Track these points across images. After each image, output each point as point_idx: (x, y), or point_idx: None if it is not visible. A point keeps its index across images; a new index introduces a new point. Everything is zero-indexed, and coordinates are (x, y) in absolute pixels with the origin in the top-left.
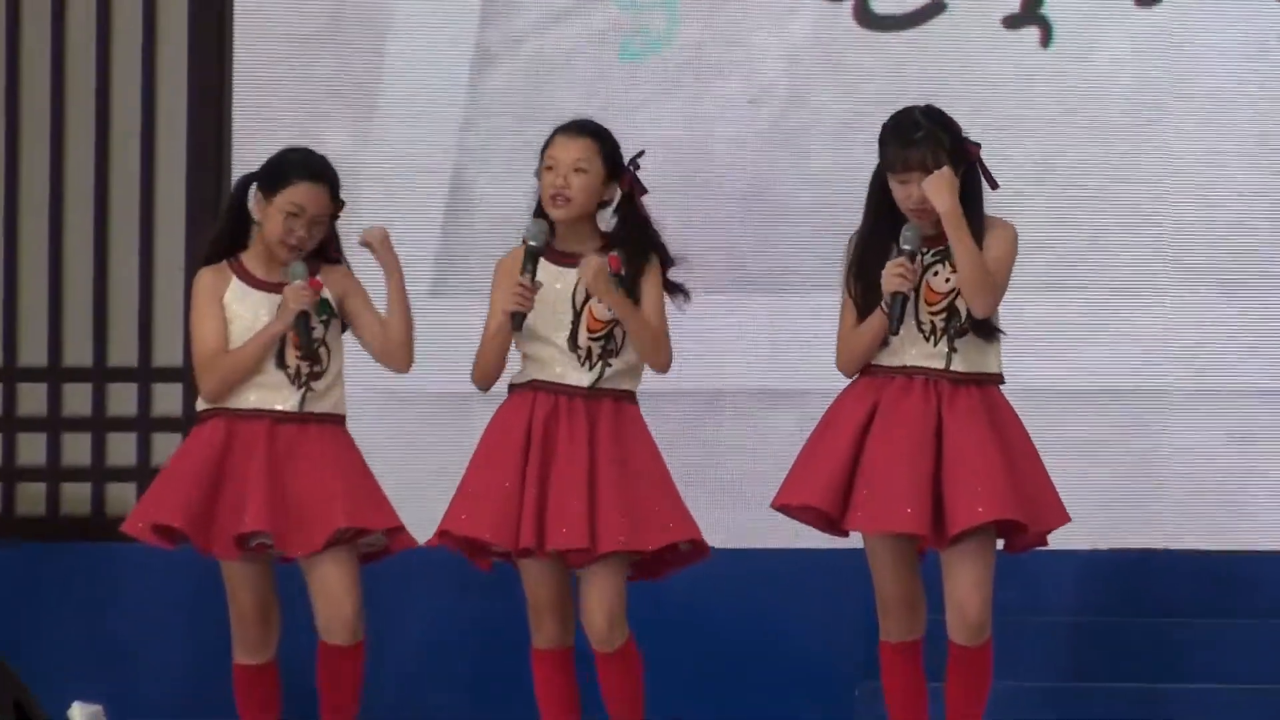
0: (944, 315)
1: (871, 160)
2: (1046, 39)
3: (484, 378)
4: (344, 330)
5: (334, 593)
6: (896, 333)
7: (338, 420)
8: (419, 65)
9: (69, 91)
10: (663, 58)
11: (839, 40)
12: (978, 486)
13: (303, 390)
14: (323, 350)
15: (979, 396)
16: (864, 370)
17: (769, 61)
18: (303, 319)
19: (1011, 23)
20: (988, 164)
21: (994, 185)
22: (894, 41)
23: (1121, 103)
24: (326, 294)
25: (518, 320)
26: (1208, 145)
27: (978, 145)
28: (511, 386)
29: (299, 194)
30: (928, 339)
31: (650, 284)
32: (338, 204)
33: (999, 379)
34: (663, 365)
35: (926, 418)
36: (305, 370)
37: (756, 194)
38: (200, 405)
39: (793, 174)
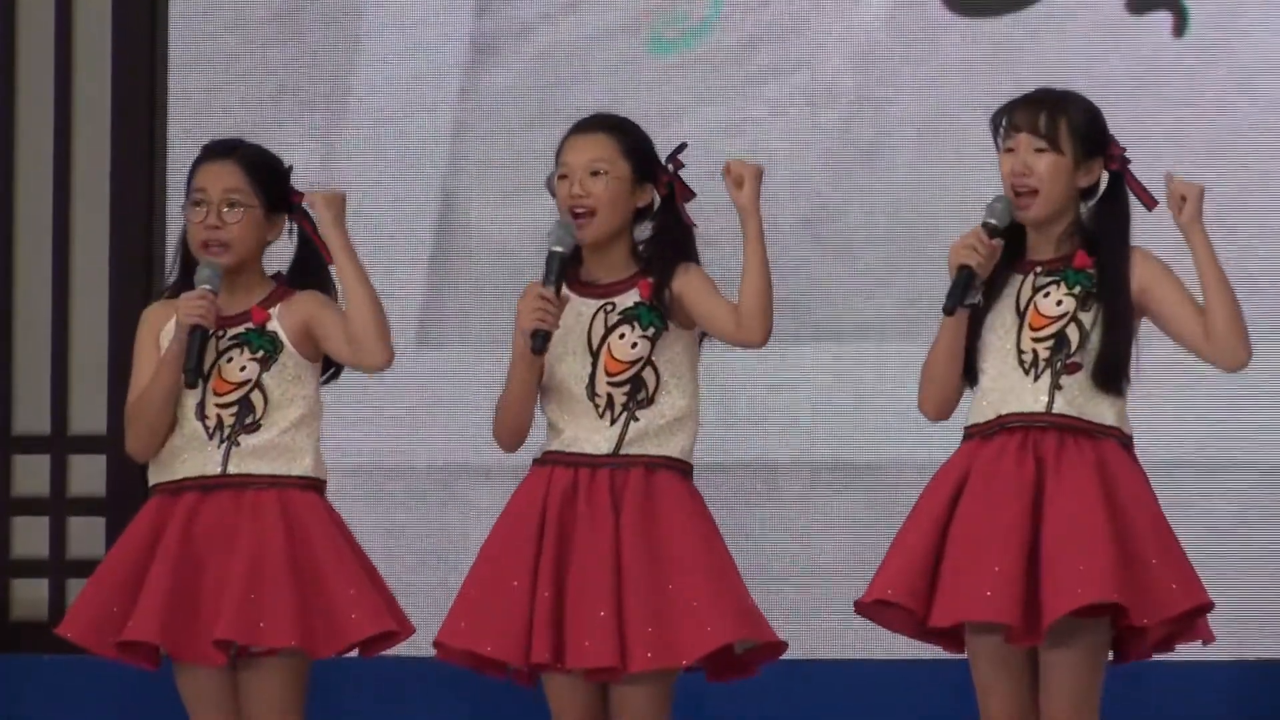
0: (1050, 344)
1: (961, 174)
2: (1180, 26)
3: (506, 431)
4: (325, 373)
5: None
6: (951, 311)
7: (298, 484)
8: (400, 61)
9: None
10: (703, 51)
11: (921, 28)
12: (1079, 564)
13: (224, 447)
14: (256, 394)
15: (1091, 453)
16: (968, 430)
17: (834, 55)
18: (196, 335)
19: (1137, 7)
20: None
21: (1150, 204)
22: (990, 30)
23: (1271, 106)
24: (274, 326)
25: (539, 341)
26: None
27: (1122, 150)
28: (533, 462)
29: (197, 178)
30: (1027, 372)
31: (697, 283)
32: (270, 187)
33: (1119, 435)
34: (761, 335)
35: (1022, 485)
36: (229, 420)
37: (819, 219)
38: (150, 475)
39: (863, 194)
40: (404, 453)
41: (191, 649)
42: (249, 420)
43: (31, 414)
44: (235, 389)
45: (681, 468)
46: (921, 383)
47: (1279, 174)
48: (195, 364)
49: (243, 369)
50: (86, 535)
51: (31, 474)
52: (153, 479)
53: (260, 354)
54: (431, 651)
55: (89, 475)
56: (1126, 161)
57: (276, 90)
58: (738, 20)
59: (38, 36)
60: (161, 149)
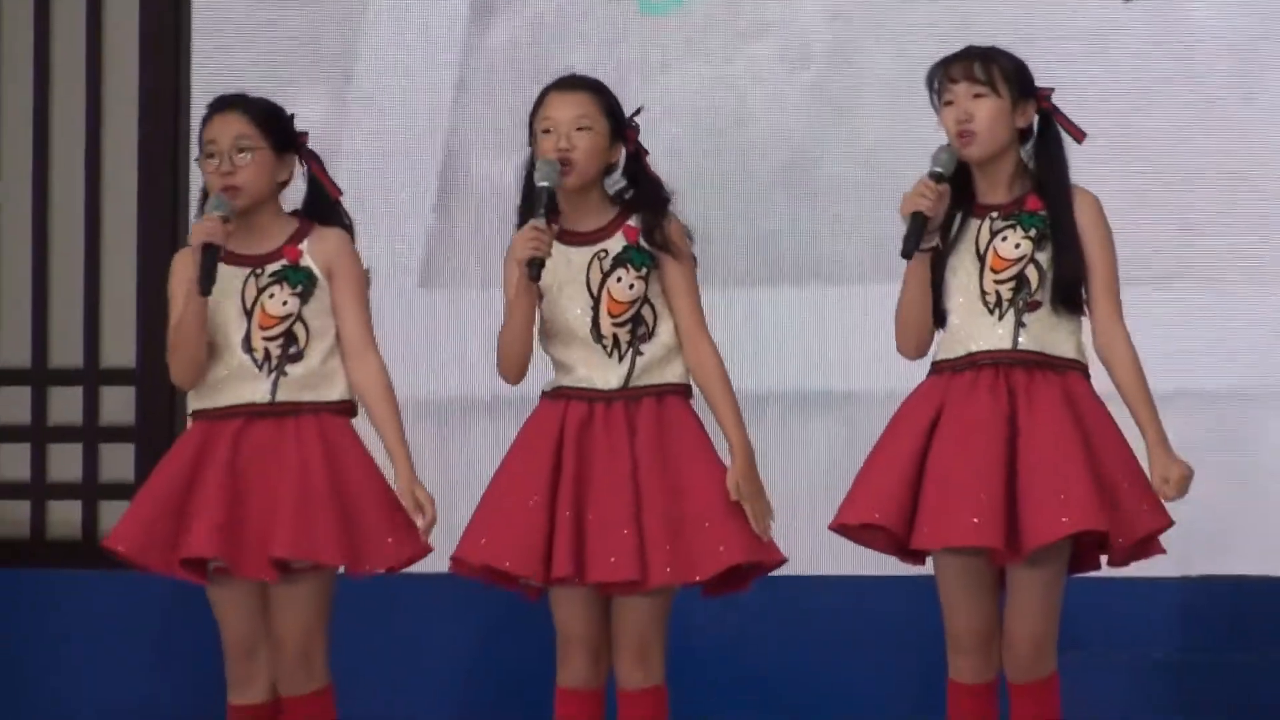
0: (1012, 285)
1: (926, 128)
2: None
3: (508, 362)
4: None
5: (275, 634)
6: (908, 255)
7: (333, 409)
8: (406, 20)
9: (3, 80)
10: (688, 12)
11: None
12: (1059, 493)
13: (274, 376)
14: (298, 327)
15: (1058, 385)
16: (934, 365)
17: (810, 17)
18: (208, 252)
19: None
20: (1058, 135)
21: (1079, 137)
22: None
23: (1218, 65)
24: (307, 261)
25: (534, 269)
26: None
27: (1049, 91)
28: (542, 395)
29: (207, 131)
30: (991, 312)
31: (681, 276)
32: (277, 132)
33: (1080, 366)
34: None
35: (997, 416)
36: (276, 352)
37: (796, 170)
38: (189, 404)
39: (838, 147)
40: (407, 386)
41: (247, 565)
42: (293, 350)
43: (66, 349)
44: (278, 323)
45: (684, 390)
46: (897, 328)
47: (1213, 121)
48: (206, 276)
49: (284, 304)
50: (117, 461)
51: (67, 405)
52: (194, 406)
53: (299, 289)
54: (434, 568)
55: (119, 405)
56: (1052, 102)
57: (290, 51)
58: None
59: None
60: (185, 103)
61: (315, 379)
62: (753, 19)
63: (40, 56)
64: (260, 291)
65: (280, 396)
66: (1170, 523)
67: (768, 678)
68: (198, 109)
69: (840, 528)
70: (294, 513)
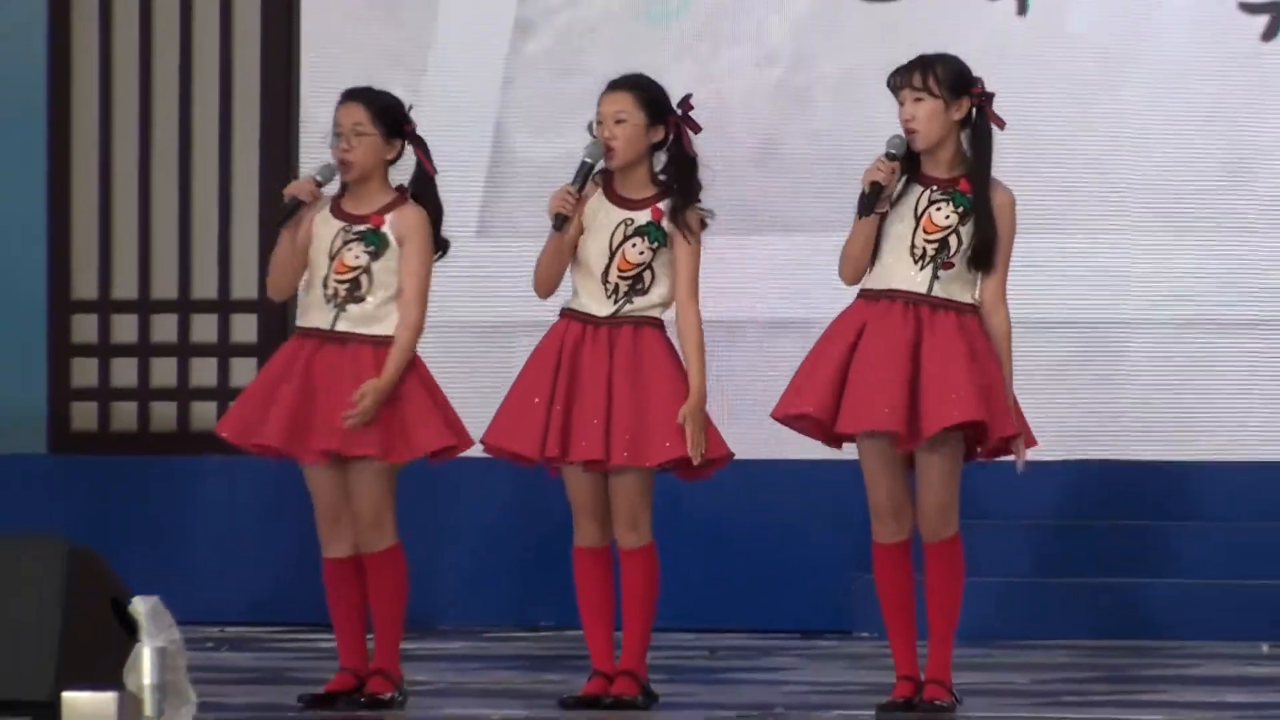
0: (936, 245)
1: (868, 120)
2: (1023, 8)
3: (540, 282)
4: (437, 252)
5: (354, 506)
6: (866, 214)
7: (383, 341)
8: (465, 33)
9: (155, 66)
10: (682, 24)
11: (838, 10)
12: (951, 394)
13: (335, 311)
14: (364, 278)
15: (956, 321)
16: (861, 293)
17: (775, 29)
18: (291, 203)
19: None
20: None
21: (1000, 124)
22: (887, 10)
23: (1088, 66)
24: (386, 230)
25: (559, 221)
26: (1163, 105)
27: (980, 86)
28: (560, 312)
29: (336, 115)
30: (916, 262)
31: (686, 255)
32: (388, 119)
33: (974, 309)
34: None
35: (905, 333)
36: (342, 294)
37: (765, 147)
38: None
39: (797, 129)
40: (468, 312)
41: (304, 452)
42: (356, 294)
43: (205, 284)
44: (349, 271)
45: (658, 324)
46: (842, 260)
47: (1098, 113)
48: (285, 216)
49: (357, 258)
50: (244, 371)
51: (205, 327)
52: (297, 322)
53: (372, 249)
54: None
55: (245, 328)
56: (986, 96)
57: (376, 55)
58: (705, 4)
59: (209, 8)
60: (296, 95)
61: (368, 319)
62: (731, 30)
63: (184, 59)
64: (343, 245)
65: (338, 327)
66: (1019, 432)
67: (739, 539)
68: (306, 99)
69: (782, 418)
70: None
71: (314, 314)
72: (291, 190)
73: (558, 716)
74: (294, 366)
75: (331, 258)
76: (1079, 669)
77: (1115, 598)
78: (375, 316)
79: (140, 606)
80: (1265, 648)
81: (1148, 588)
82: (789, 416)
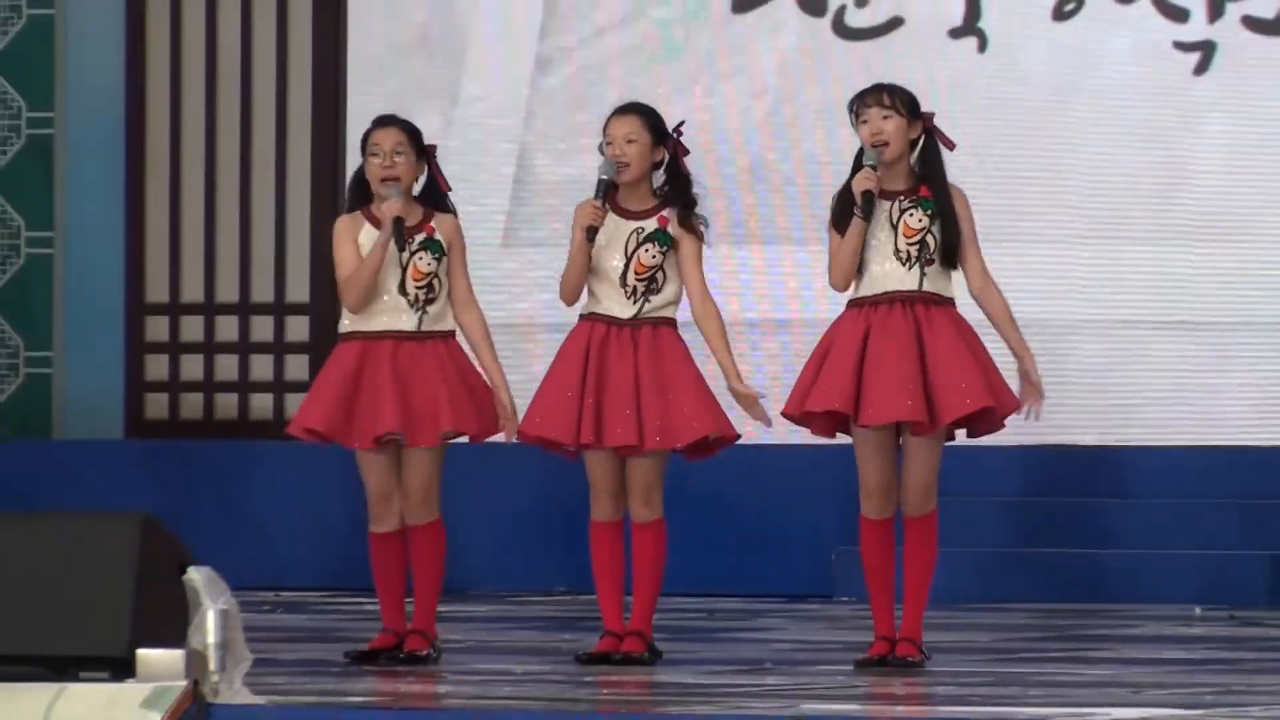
0: (917, 246)
1: (846, 144)
2: (983, 46)
3: (567, 290)
4: None
5: (406, 483)
6: (867, 218)
7: (450, 335)
8: (492, 69)
9: (220, 95)
10: (684, 60)
11: (820, 48)
12: (960, 383)
13: (419, 313)
14: (435, 280)
15: (948, 314)
16: (854, 302)
17: (764, 65)
18: (398, 223)
19: (955, 34)
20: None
21: (950, 146)
22: (864, 49)
23: (1040, 96)
24: (438, 236)
25: (591, 233)
26: (1105, 129)
27: (931, 114)
28: (580, 316)
29: (374, 138)
30: (904, 264)
31: (693, 253)
32: (417, 143)
33: (953, 302)
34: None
35: (908, 331)
36: (422, 297)
37: (755, 169)
38: (341, 327)
39: (783, 154)
40: (498, 314)
41: (420, 437)
42: (431, 297)
43: (263, 289)
44: (425, 277)
45: (672, 323)
46: (833, 267)
47: (1048, 138)
48: (399, 236)
49: (429, 265)
50: (297, 366)
51: (263, 328)
52: (351, 328)
53: (438, 255)
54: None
55: (298, 328)
56: (932, 121)
57: (413, 85)
58: (703, 43)
59: (265, 29)
60: (343, 118)
61: (439, 317)
62: (727, 64)
63: (245, 88)
64: (413, 254)
65: (424, 327)
66: (1019, 404)
67: (734, 514)
68: (352, 124)
69: (800, 415)
70: (449, 400)
71: (390, 318)
72: (395, 212)
73: (573, 670)
74: (382, 364)
75: (403, 267)
76: (1036, 629)
77: (1068, 566)
78: (443, 314)
79: (196, 575)
80: (1198, 610)
81: (1096, 557)
82: (805, 414)
